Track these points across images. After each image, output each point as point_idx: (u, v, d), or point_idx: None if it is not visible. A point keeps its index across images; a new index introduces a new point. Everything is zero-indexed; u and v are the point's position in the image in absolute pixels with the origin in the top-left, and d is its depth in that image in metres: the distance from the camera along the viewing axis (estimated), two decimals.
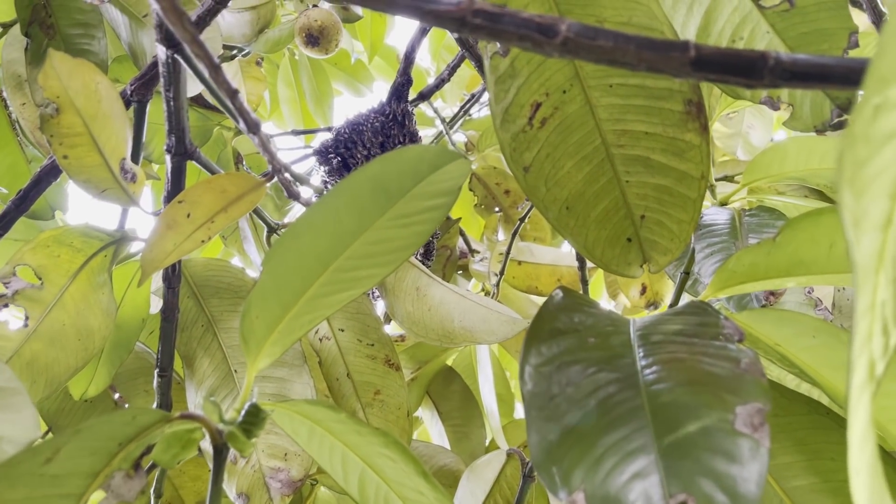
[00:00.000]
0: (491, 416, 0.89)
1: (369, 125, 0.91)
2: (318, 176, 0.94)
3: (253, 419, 0.38)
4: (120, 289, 0.68)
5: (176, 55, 0.43)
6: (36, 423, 0.45)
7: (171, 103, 0.46)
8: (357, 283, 0.42)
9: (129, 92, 0.58)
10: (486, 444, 1.02)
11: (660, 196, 0.43)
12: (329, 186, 0.93)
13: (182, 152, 0.49)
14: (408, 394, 0.66)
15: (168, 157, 0.50)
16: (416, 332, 0.62)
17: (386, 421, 0.67)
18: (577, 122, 0.43)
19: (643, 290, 1.03)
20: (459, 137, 1.44)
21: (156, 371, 0.61)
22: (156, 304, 0.76)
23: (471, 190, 1.33)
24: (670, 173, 0.43)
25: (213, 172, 0.54)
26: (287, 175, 0.46)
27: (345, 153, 0.92)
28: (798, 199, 0.66)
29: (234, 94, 0.35)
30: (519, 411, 1.23)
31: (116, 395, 0.76)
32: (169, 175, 0.52)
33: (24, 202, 0.59)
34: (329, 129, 1.01)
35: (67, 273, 0.61)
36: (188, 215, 0.47)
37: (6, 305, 0.57)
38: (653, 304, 1.02)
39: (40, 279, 0.60)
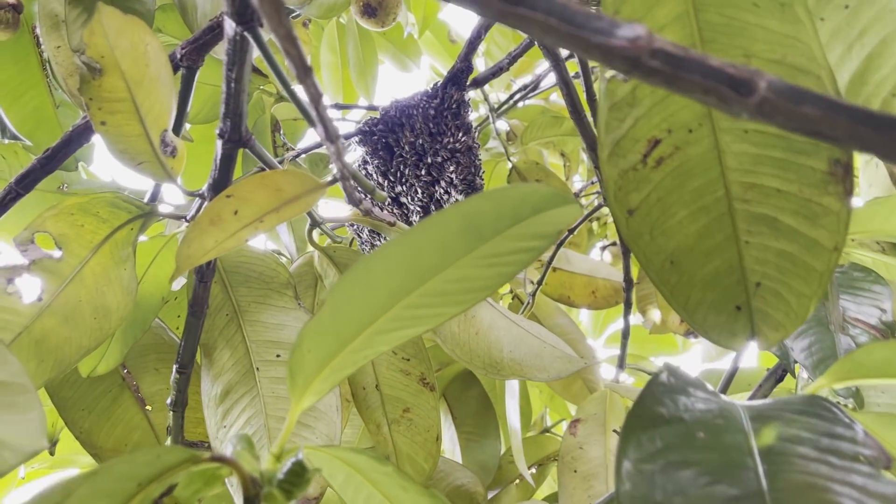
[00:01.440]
0: (513, 435, 0.84)
1: (421, 110, 0.85)
2: (358, 154, 0.89)
3: (296, 479, 0.33)
4: (142, 264, 0.63)
5: (246, 33, 0.37)
6: (42, 429, 0.39)
7: (233, 85, 0.40)
8: (424, 320, 0.37)
9: (178, 56, 0.52)
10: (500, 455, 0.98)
11: (781, 263, 0.38)
12: (369, 168, 0.87)
13: (237, 139, 0.43)
14: (440, 417, 0.61)
15: (219, 143, 0.45)
16: (459, 355, 0.57)
17: (412, 442, 0.61)
18: (700, 167, 0.37)
19: None
20: (502, 126, 1.37)
21: (175, 366, 0.56)
22: (177, 280, 0.71)
23: (509, 184, 1.26)
24: (798, 239, 0.37)
25: (267, 164, 0.48)
26: (352, 182, 0.40)
27: (390, 136, 0.86)
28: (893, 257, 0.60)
29: (318, 98, 0.29)
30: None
31: (125, 371, 0.71)
32: (217, 161, 0.46)
33: (50, 162, 0.54)
34: (374, 108, 0.95)
35: (90, 245, 0.56)
36: (235, 212, 0.41)
37: (20, 275, 0.52)
38: (693, 334, 0.96)
39: (60, 249, 0.54)
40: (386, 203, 0.49)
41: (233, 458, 0.33)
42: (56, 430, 0.80)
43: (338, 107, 0.98)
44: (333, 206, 0.68)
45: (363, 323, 0.35)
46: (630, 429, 0.31)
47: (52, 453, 0.79)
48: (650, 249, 0.38)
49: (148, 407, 0.71)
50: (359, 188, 0.45)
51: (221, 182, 0.47)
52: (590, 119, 0.75)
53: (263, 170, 0.53)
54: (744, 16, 0.34)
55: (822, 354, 0.49)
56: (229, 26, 0.37)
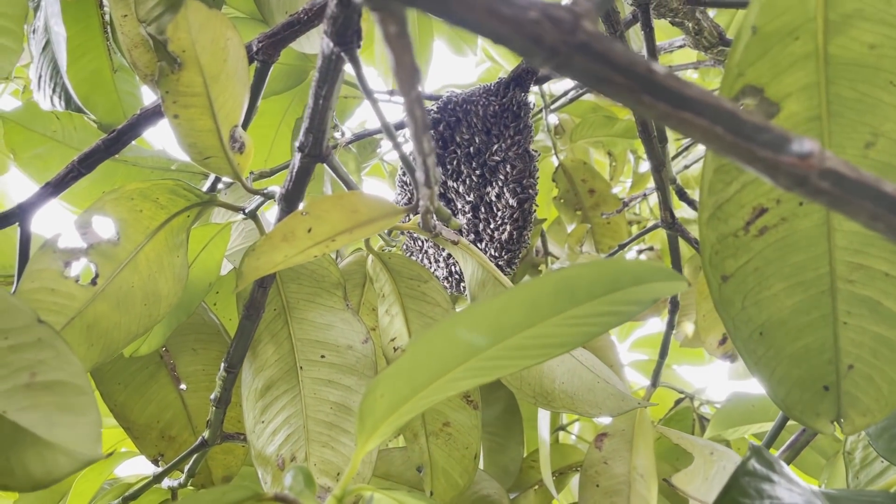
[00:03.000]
0: (542, 445, 0.83)
1: (480, 107, 0.83)
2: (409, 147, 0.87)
3: None
4: (193, 250, 0.62)
5: (343, 54, 0.35)
6: (98, 434, 0.39)
7: (321, 102, 0.38)
8: (497, 371, 0.36)
9: (254, 48, 0.51)
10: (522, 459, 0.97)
11: (878, 348, 0.36)
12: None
13: (317, 153, 0.42)
14: (480, 436, 0.60)
15: (298, 155, 0.43)
16: (508, 380, 0.56)
17: (449, 457, 0.61)
18: (805, 241, 0.35)
19: (723, 340, 0.95)
20: (552, 120, 1.34)
21: (223, 365, 0.56)
22: (225, 266, 0.70)
23: (553, 181, 1.24)
24: None
25: (343, 181, 0.47)
26: (433, 214, 0.39)
27: (444, 130, 0.84)
28: None
29: (430, 153, 0.27)
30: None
31: (163, 349, 0.70)
32: (294, 174, 0.45)
33: (115, 144, 0.52)
34: (430, 98, 0.93)
35: (146, 230, 0.55)
36: (309, 230, 0.40)
37: (78, 259, 0.51)
38: (730, 357, 0.95)
39: (118, 234, 0.53)
40: (459, 231, 0.48)
41: (297, 500, 0.32)
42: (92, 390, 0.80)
43: (391, 93, 0.96)
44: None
45: (440, 373, 0.34)
46: None
47: None
48: (740, 318, 0.37)
49: (182, 386, 0.71)
50: (439, 218, 0.43)
51: (295, 194, 0.46)
52: (656, 139, 0.72)
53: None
54: (878, 93, 0.32)
55: None
56: (326, 45, 0.35)
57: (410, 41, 0.21)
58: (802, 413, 0.38)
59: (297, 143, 0.42)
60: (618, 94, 0.20)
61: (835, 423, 0.37)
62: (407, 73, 0.22)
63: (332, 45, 0.35)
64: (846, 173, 0.20)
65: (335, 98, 0.39)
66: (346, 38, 0.35)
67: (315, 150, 0.42)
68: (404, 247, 0.87)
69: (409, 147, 0.86)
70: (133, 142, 0.79)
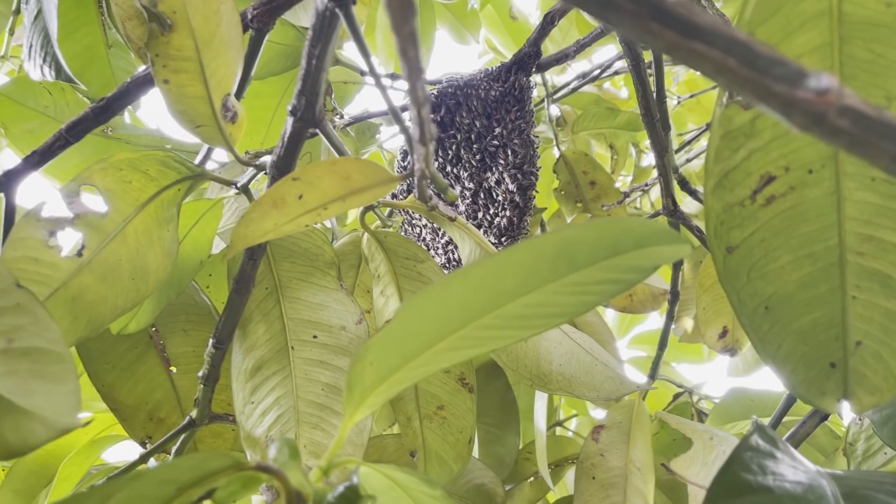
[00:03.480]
0: (538, 436, 0.82)
1: (482, 91, 0.81)
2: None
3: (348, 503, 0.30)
4: (184, 225, 0.61)
5: (338, 10, 0.33)
6: (77, 403, 0.37)
7: (314, 62, 0.37)
8: (493, 341, 0.34)
9: (249, 16, 0.49)
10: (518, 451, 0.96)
11: (888, 325, 0.35)
12: None
13: (309, 118, 0.41)
14: (475, 420, 0.58)
15: (290, 120, 0.42)
16: (505, 361, 0.54)
17: (444, 441, 0.59)
18: (815, 211, 0.34)
19: (724, 333, 0.94)
20: (554, 111, 1.33)
21: (212, 340, 0.54)
22: (217, 244, 0.69)
23: (554, 172, 1.23)
24: None
25: (336, 148, 0.45)
26: (430, 183, 0.38)
27: (445, 114, 0.83)
28: None
29: (424, 101, 0.26)
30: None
31: (153, 329, 0.69)
32: (285, 139, 0.43)
33: (104, 112, 0.51)
34: (431, 83, 0.92)
35: (136, 202, 0.53)
36: (300, 196, 0.39)
37: (63, 229, 0.50)
38: (730, 351, 0.93)
39: (106, 204, 0.52)
40: (456, 206, 0.47)
41: (280, 471, 0.31)
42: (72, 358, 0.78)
43: (392, 77, 0.95)
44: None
45: (431, 340, 0.32)
46: (716, 496, 0.29)
47: None
48: (745, 292, 0.35)
49: (172, 367, 0.70)
50: (435, 190, 0.42)
51: (287, 161, 0.44)
52: (660, 126, 0.71)
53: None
54: (893, 54, 0.31)
55: None
56: (320, 1, 0.34)
57: None
58: (808, 391, 0.36)
59: (289, 107, 0.40)
60: (623, 22, 0.19)
61: (841, 401, 0.36)
62: (400, 2, 0.21)
63: (326, 0, 0.34)
64: (867, 111, 0.19)
65: (329, 58, 0.38)
66: None
67: (308, 113, 0.40)
68: (402, 231, 0.86)
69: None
70: (125, 113, 0.77)
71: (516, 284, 0.31)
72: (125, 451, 0.94)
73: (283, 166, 0.44)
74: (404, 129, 0.35)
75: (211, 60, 0.46)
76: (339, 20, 0.35)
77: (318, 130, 0.41)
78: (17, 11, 0.82)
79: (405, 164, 0.82)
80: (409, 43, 0.22)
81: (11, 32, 0.98)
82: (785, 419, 0.71)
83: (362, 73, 0.92)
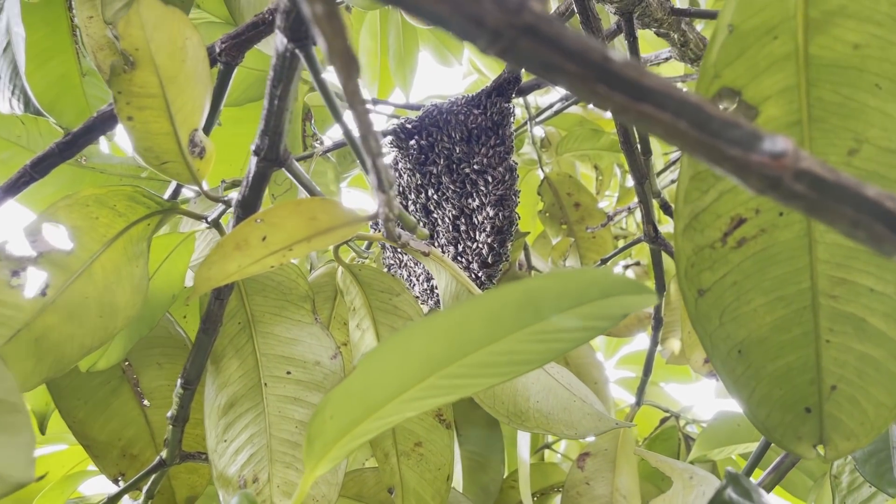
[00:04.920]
0: (521, 465, 0.81)
1: (461, 117, 0.81)
2: (390, 154, 0.85)
3: None
4: (155, 260, 0.59)
5: (297, 51, 0.33)
6: (31, 457, 0.36)
7: (276, 102, 0.36)
8: (460, 389, 0.33)
9: (217, 50, 0.48)
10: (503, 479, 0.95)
11: (863, 368, 0.34)
12: (400, 170, 0.83)
13: (273, 157, 0.40)
14: (453, 456, 0.57)
15: (254, 160, 0.41)
16: (482, 398, 0.53)
17: (421, 478, 0.58)
18: (786, 254, 0.33)
19: (709, 358, 0.93)
20: (538, 132, 1.33)
21: (180, 381, 0.53)
22: (190, 277, 0.68)
23: (539, 194, 1.22)
24: (886, 344, 0.33)
25: (304, 186, 0.45)
26: (396, 223, 0.37)
27: (425, 141, 0.82)
28: None
29: (378, 152, 0.25)
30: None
31: (126, 363, 0.68)
32: (249, 179, 0.42)
33: (70, 148, 0.50)
34: (413, 107, 0.91)
35: (103, 238, 0.52)
36: (263, 238, 0.38)
37: (25, 268, 0.48)
38: (715, 375, 0.92)
39: (72, 242, 0.51)
40: (426, 240, 0.46)
41: None
42: (49, 409, 0.77)
43: (374, 102, 0.94)
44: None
45: (394, 391, 0.31)
46: None
47: (42, 431, 0.76)
48: (718, 335, 0.35)
49: (146, 402, 0.68)
50: (402, 227, 0.41)
51: (251, 200, 0.43)
52: (639, 152, 0.70)
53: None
54: (862, 97, 0.30)
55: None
56: (280, 41, 0.33)
57: (342, 23, 0.19)
58: (783, 436, 0.35)
59: (252, 147, 0.40)
60: (570, 84, 0.18)
61: (817, 447, 0.35)
62: (342, 61, 0.20)
63: (285, 41, 0.33)
64: (824, 175, 0.18)
65: (291, 98, 0.37)
66: (301, 34, 0.33)
67: (271, 153, 0.39)
68: (384, 260, 0.85)
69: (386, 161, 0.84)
70: (96, 148, 0.76)
71: (481, 334, 0.30)
72: (101, 485, 0.92)
73: (249, 205, 0.44)
74: (362, 162, 0.34)
75: (177, 96, 0.45)
76: (300, 60, 0.34)
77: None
78: None
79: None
80: (356, 99, 0.22)
81: None
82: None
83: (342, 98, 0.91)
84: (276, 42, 0.34)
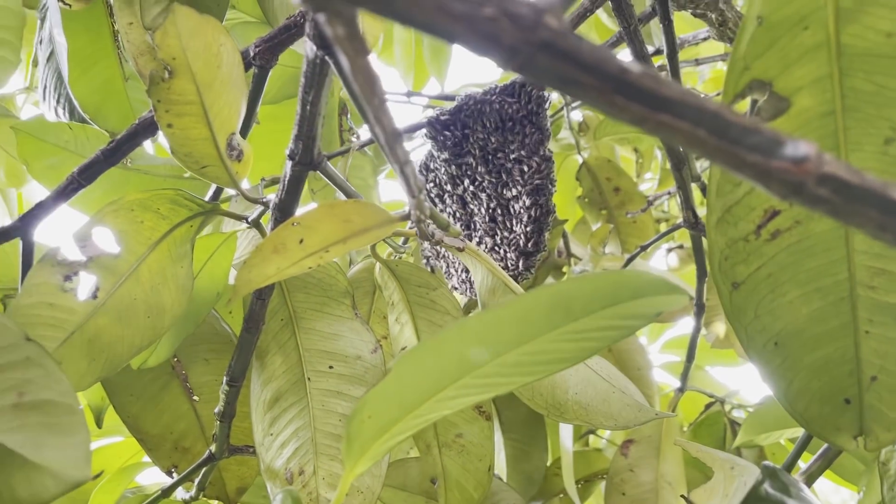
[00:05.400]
0: (564, 454, 0.81)
1: (496, 106, 0.81)
2: (426, 146, 0.85)
3: None
4: (199, 259, 0.61)
5: (327, 57, 0.33)
6: (87, 455, 0.38)
7: (308, 108, 0.37)
8: (494, 388, 0.34)
9: (251, 54, 0.49)
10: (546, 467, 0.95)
11: None
12: (435, 162, 0.84)
13: (307, 161, 0.41)
14: (494, 448, 0.58)
15: (289, 164, 0.42)
16: (521, 390, 0.54)
17: (463, 469, 0.59)
18: (822, 245, 0.33)
19: None
20: (575, 116, 1.31)
21: (225, 378, 0.55)
22: (234, 275, 0.70)
23: (577, 180, 1.22)
24: None
25: (340, 187, 0.45)
26: (430, 222, 0.37)
27: (460, 132, 0.82)
28: None
29: (405, 161, 0.26)
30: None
31: (175, 360, 0.70)
32: (286, 183, 0.43)
33: (115, 154, 0.52)
34: (447, 98, 0.91)
35: (148, 241, 0.54)
36: (301, 241, 0.39)
37: (77, 273, 0.50)
38: None
39: (119, 246, 0.52)
40: (460, 236, 0.46)
41: None
42: (104, 405, 0.79)
43: (409, 94, 0.95)
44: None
45: (430, 391, 0.32)
46: None
47: (99, 426, 0.79)
48: (753, 327, 0.35)
49: (195, 397, 0.70)
50: (436, 224, 0.41)
51: (288, 203, 0.44)
52: None
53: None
54: None
55: None
56: (310, 49, 0.34)
57: (364, 42, 0.20)
58: (823, 428, 0.35)
59: (287, 151, 0.40)
60: (587, 96, 0.18)
61: (857, 438, 0.35)
62: (364, 77, 0.21)
63: (315, 48, 0.34)
64: (848, 178, 0.18)
65: (323, 104, 0.37)
66: (329, 42, 0.33)
67: (305, 157, 0.40)
68: (423, 252, 0.86)
69: (421, 152, 0.85)
70: (141, 150, 0.78)
71: (513, 335, 0.31)
72: (158, 475, 0.96)
73: (285, 208, 0.45)
74: (394, 163, 0.34)
75: (213, 102, 0.46)
76: (330, 65, 0.35)
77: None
78: (36, 63, 0.84)
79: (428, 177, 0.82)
80: (380, 112, 0.22)
81: (35, 64, 1.00)
82: None
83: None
84: (305, 49, 0.34)
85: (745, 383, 1.87)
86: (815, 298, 0.34)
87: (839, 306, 0.33)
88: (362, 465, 0.33)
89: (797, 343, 0.34)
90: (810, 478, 0.55)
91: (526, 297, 0.28)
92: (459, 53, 1.47)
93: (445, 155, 0.83)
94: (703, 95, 0.18)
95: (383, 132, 0.23)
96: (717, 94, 1.48)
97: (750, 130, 0.18)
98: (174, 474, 0.68)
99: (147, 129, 0.51)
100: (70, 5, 0.71)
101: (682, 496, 0.55)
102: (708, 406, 1.05)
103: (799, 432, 0.91)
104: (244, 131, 0.51)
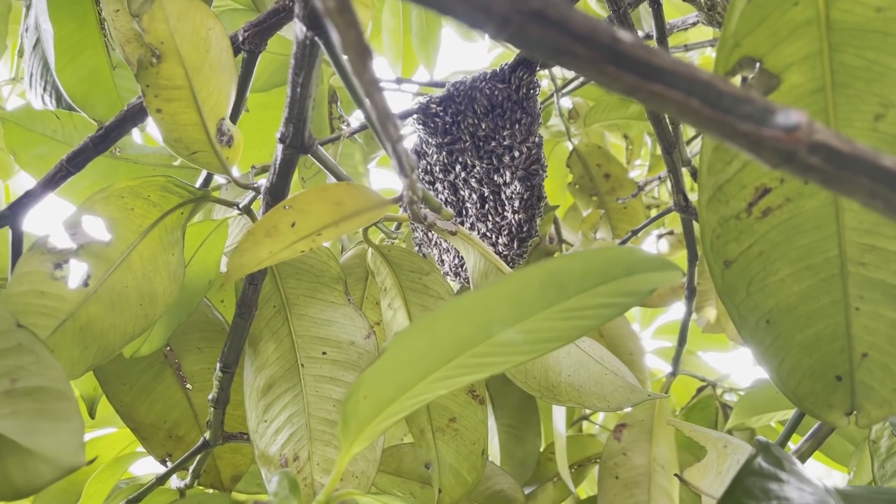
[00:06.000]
0: (558, 438, 0.82)
1: (486, 92, 0.80)
2: (415, 133, 0.85)
3: None
4: (190, 247, 0.61)
5: (317, 38, 0.33)
6: (81, 441, 0.38)
7: (298, 90, 0.37)
8: (489, 367, 0.34)
9: (240, 38, 0.49)
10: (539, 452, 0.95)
11: (894, 335, 0.34)
12: (426, 148, 0.84)
13: (298, 144, 0.40)
14: (487, 432, 0.58)
15: (280, 147, 0.41)
16: (513, 373, 0.54)
17: (457, 453, 0.59)
18: (812, 222, 0.33)
19: None
20: (565, 103, 1.31)
21: (219, 364, 0.54)
22: (224, 262, 0.69)
23: (568, 167, 1.22)
24: None
25: (331, 171, 0.45)
26: (422, 205, 0.37)
27: (450, 118, 0.82)
28: None
29: (398, 140, 0.26)
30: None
31: (167, 348, 0.70)
32: (277, 166, 0.43)
33: (103, 142, 0.51)
34: (436, 84, 0.91)
35: (139, 229, 0.54)
36: (293, 224, 0.39)
37: (67, 260, 0.50)
38: None
39: (109, 233, 0.52)
40: (452, 220, 0.46)
41: None
42: (97, 395, 0.79)
43: (399, 81, 0.94)
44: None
45: (424, 371, 0.32)
46: None
47: (92, 416, 0.79)
48: (745, 306, 0.35)
49: (188, 385, 0.70)
50: (428, 208, 0.41)
51: (279, 187, 0.44)
52: (667, 120, 0.70)
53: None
54: (887, 60, 0.30)
55: None
56: (299, 30, 0.34)
57: (354, 15, 0.19)
58: (814, 405, 0.35)
59: (277, 135, 0.40)
60: (580, 67, 0.18)
61: (849, 415, 0.35)
62: (356, 51, 0.20)
63: (304, 29, 0.33)
64: (839, 147, 0.18)
65: (314, 85, 0.37)
66: (319, 22, 0.33)
67: (296, 140, 0.40)
68: (414, 238, 0.86)
69: (412, 141, 0.84)
70: (129, 139, 0.78)
71: (506, 314, 0.31)
72: (152, 464, 0.95)
73: (277, 192, 0.44)
74: (383, 146, 0.34)
75: (203, 87, 0.46)
76: (321, 47, 0.34)
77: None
78: (21, 53, 0.83)
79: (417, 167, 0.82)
80: (372, 88, 0.22)
81: (21, 54, 0.99)
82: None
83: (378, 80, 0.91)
84: (295, 30, 0.34)
85: (735, 368, 1.88)
86: (806, 276, 0.34)
87: (830, 283, 0.34)
88: (358, 445, 0.33)
89: (789, 320, 0.34)
90: (801, 458, 0.55)
91: (518, 275, 0.28)
92: (447, 41, 1.46)
93: (436, 141, 0.83)
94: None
95: (375, 109, 0.23)
96: None
97: (742, 99, 0.18)
98: (168, 463, 0.68)
99: (136, 115, 0.51)
100: None
101: (675, 475, 0.56)
102: (700, 390, 1.06)
103: (789, 415, 0.92)
104: (234, 117, 0.51)
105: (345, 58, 0.35)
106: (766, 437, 0.33)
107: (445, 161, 0.82)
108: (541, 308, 0.30)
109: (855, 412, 0.35)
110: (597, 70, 0.18)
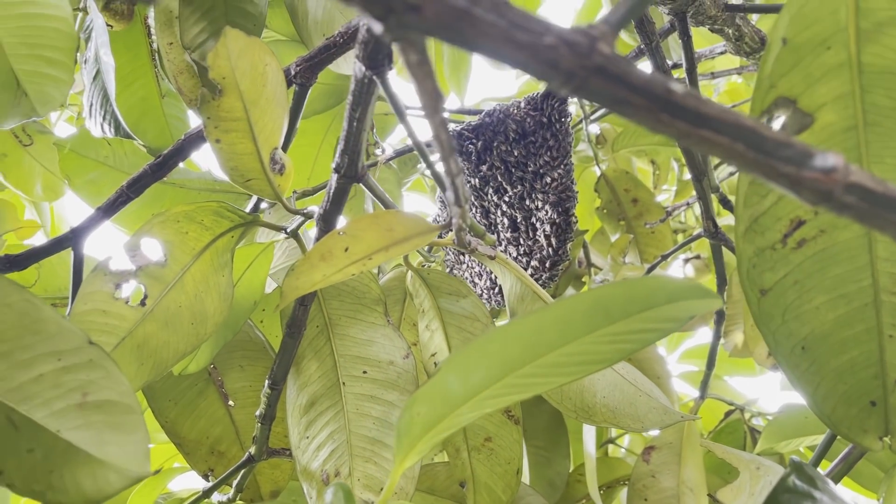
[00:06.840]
0: (588, 459, 0.83)
1: (518, 119, 0.83)
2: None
3: None
4: (238, 269, 0.64)
5: (375, 77, 0.36)
6: (147, 452, 0.40)
7: (355, 124, 0.39)
8: (534, 388, 0.36)
9: (292, 72, 0.52)
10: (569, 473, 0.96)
11: None
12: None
13: (352, 174, 0.43)
14: (522, 451, 0.60)
15: (334, 176, 0.44)
16: (549, 394, 0.56)
17: (492, 472, 0.61)
18: (846, 253, 0.35)
19: None
20: (593, 129, 1.34)
21: (267, 381, 0.57)
22: (269, 284, 0.72)
23: (596, 191, 1.24)
24: None
25: (380, 200, 0.48)
26: (468, 232, 0.39)
27: (484, 144, 0.84)
28: None
29: (458, 173, 0.28)
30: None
31: (211, 366, 0.72)
32: (331, 194, 0.46)
33: (161, 169, 0.54)
34: (469, 112, 0.94)
35: (192, 251, 0.56)
36: (346, 249, 0.41)
37: (127, 281, 0.53)
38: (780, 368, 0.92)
39: (165, 255, 0.55)
40: (495, 246, 0.48)
41: None
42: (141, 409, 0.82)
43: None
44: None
45: (474, 389, 0.34)
46: None
47: None
48: (781, 332, 0.36)
49: (231, 403, 0.73)
50: (474, 234, 0.43)
51: (332, 214, 0.47)
52: None
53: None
54: None
55: None
56: (358, 69, 0.36)
57: (431, 68, 0.22)
58: (849, 429, 0.37)
59: (333, 165, 0.43)
60: (636, 115, 0.20)
61: (883, 439, 0.36)
62: (430, 98, 0.23)
63: (363, 68, 0.36)
64: (872, 187, 0.20)
65: (369, 120, 0.40)
66: (378, 62, 0.35)
67: (351, 171, 0.43)
68: (447, 261, 0.88)
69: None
70: (180, 165, 0.81)
71: (554, 337, 0.32)
72: (190, 481, 0.98)
73: (330, 219, 0.47)
74: (430, 165, 0.37)
75: (258, 118, 0.49)
76: (377, 85, 0.37)
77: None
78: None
79: (443, 214, 0.84)
80: (441, 129, 0.24)
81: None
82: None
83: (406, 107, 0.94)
84: (354, 69, 0.37)
85: (763, 393, 1.87)
86: (840, 304, 0.35)
87: (863, 311, 0.35)
88: (410, 460, 0.35)
89: (824, 347, 0.36)
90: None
91: (566, 302, 0.30)
92: (478, 68, 1.49)
93: (469, 167, 0.85)
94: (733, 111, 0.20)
95: (441, 146, 0.25)
96: (734, 106, 1.50)
97: (783, 144, 0.20)
98: (210, 478, 0.70)
99: (192, 144, 0.54)
100: (112, 26, 0.75)
101: (708, 495, 0.57)
102: (728, 414, 1.06)
103: (818, 440, 0.92)
104: (285, 146, 0.53)
105: (394, 92, 0.37)
106: (798, 458, 0.34)
107: (478, 185, 0.85)
108: (586, 332, 0.32)
109: (889, 436, 0.36)
110: (652, 118, 0.20)
